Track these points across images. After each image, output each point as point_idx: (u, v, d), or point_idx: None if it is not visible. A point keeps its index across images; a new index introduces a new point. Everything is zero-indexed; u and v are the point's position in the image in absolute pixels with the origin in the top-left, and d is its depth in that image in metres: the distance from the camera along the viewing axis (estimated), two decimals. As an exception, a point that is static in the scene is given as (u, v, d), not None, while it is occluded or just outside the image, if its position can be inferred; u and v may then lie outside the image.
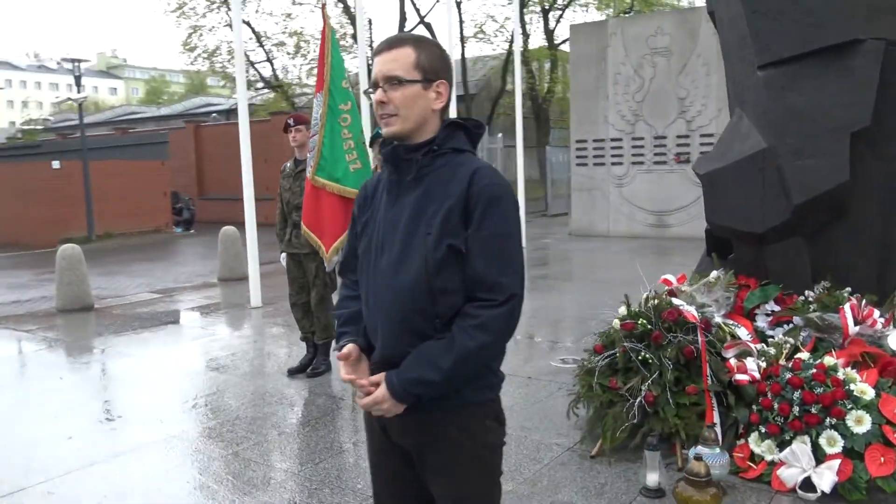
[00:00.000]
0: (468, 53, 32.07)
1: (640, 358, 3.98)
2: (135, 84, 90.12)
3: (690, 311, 4.05)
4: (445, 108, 1.87)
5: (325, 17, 4.95)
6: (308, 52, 29.37)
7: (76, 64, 15.87)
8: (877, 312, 3.78)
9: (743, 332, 4.10)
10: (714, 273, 4.34)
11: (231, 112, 34.20)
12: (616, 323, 4.21)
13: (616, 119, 14.17)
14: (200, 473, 3.82)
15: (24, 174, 16.56)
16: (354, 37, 26.16)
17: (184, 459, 4.02)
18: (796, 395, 3.46)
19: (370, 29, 27.06)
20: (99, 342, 6.95)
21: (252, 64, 28.09)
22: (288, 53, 28.60)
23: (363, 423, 2.03)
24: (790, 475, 3.39)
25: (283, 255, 5.59)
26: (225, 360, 6.09)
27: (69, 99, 23.13)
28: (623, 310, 4.31)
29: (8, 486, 3.71)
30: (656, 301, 4.22)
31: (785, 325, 4.08)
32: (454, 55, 32.76)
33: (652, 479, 3.43)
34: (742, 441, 3.68)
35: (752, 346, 3.94)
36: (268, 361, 6.03)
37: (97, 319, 8.08)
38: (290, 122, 5.43)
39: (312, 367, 5.53)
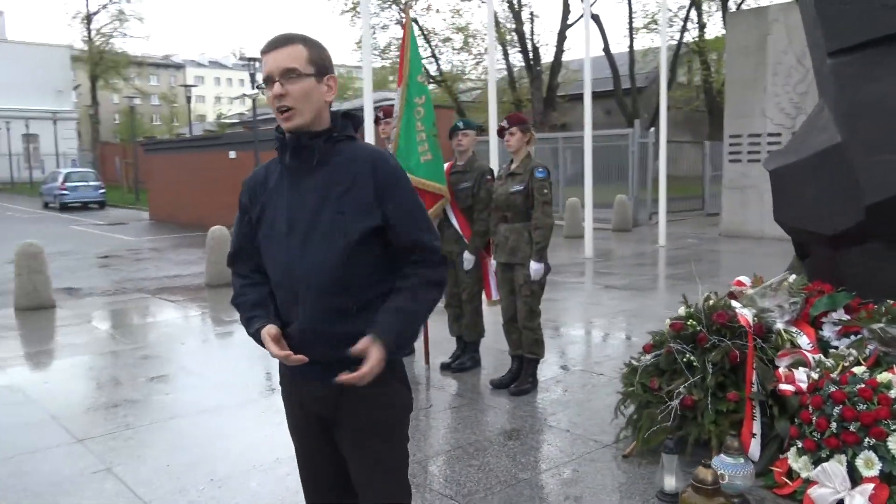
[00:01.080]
0: (637, 45, 31.16)
1: (685, 360, 3.84)
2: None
3: (744, 315, 3.84)
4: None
5: (406, 15, 5.18)
6: (475, 47, 29.91)
7: (251, 62, 17.39)
8: (952, 328, 3.37)
9: (804, 341, 3.82)
10: (779, 277, 4.07)
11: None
12: (667, 322, 4.08)
13: (775, 112, 13.22)
14: (263, 434, 4.19)
15: (207, 163, 18.41)
16: (516, 31, 26.38)
17: (250, 422, 4.42)
18: (836, 410, 3.19)
19: (532, 22, 27.11)
20: (229, 315, 7.69)
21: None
22: (454, 49, 29.26)
23: (286, 401, 2.16)
24: (821, 496, 3.14)
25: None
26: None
27: (244, 95, 25.22)
28: (682, 310, 4.16)
29: (101, 429, 4.31)
30: (711, 302, 4.04)
31: (853, 336, 3.74)
32: (622, 47, 31.94)
33: (669, 482, 3.32)
34: (784, 455, 3.46)
35: (809, 355, 3.67)
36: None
37: (225, 293, 8.88)
38: (381, 115, 5.73)
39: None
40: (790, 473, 3.37)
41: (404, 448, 2.10)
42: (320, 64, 1.96)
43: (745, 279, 4.47)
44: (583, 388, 4.95)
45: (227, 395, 4.94)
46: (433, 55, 28.93)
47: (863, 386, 3.22)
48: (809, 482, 3.23)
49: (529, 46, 26.83)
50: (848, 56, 3.61)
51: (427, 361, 5.46)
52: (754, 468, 3.48)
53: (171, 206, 20.34)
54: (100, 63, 43.31)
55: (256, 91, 18.89)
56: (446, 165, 5.33)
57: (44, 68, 42.88)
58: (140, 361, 5.88)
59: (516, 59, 28.68)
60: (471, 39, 29.62)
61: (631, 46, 30.09)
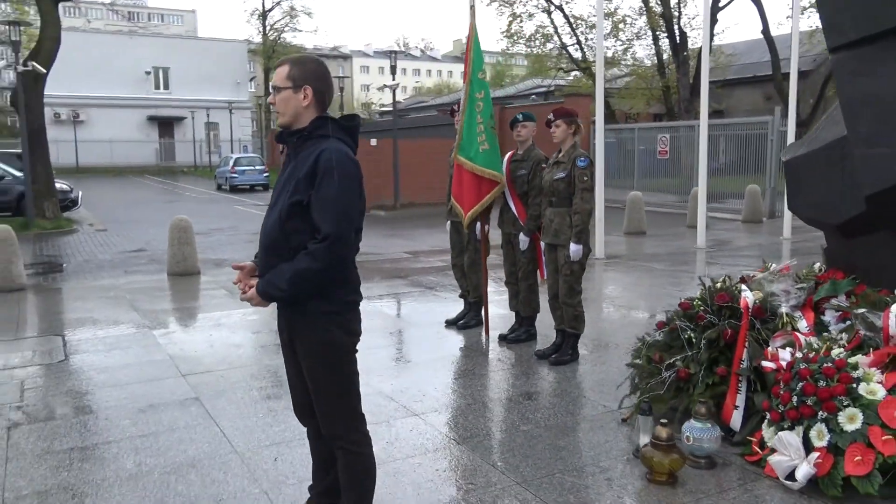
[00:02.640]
0: (803, 26, 29.27)
1: (686, 337, 4.16)
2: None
3: (746, 298, 4.09)
4: (321, 103, 2.64)
5: (472, 17, 5.70)
6: (623, 31, 29.52)
7: (393, 55, 18.48)
8: (930, 316, 3.47)
9: (803, 325, 4.01)
10: (785, 263, 4.24)
11: (549, 93, 35.90)
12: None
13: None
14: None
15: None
16: (663, 15, 25.77)
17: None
18: (799, 385, 3.43)
19: (680, 6, 26.31)
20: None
21: (564, 47, 29.19)
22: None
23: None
24: (778, 462, 3.41)
25: (448, 223, 6.52)
26: (403, 306, 7.26)
27: (384, 86, 26.51)
28: (700, 291, 4.45)
29: (202, 368, 5.27)
30: (718, 285, 4.31)
31: (848, 321, 3.88)
32: (783, 29, 30.04)
33: (643, 440, 3.69)
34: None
35: (802, 338, 3.87)
36: (432, 314, 6.98)
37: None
38: (455, 108, 6.31)
39: (464, 320, 6.40)
40: (763, 443, 3.63)
41: (345, 378, 2.69)
42: (298, 78, 2.60)
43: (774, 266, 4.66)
44: (618, 363, 5.29)
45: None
46: (578, 42, 28.92)
47: (829, 365, 3.43)
48: (774, 451, 3.50)
49: (677, 31, 26.09)
50: (848, 52, 3.74)
51: (486, 333, 6.02)
52: (737, 437, 3.80)
53: (320, 189, 22.00)
54: (272, 56, 46.99)
55: (395, 83, 20.08)
56: (508, 154, 5.84)
57: (225, 62, 47.13)
58: (251, 321, 6.89)
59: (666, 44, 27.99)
60: (621, 24, 29.29)
61: (794, 28, 28.28)
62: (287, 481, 3.45)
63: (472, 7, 5.73)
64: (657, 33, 28.07)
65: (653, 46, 28.84)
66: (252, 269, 2.75)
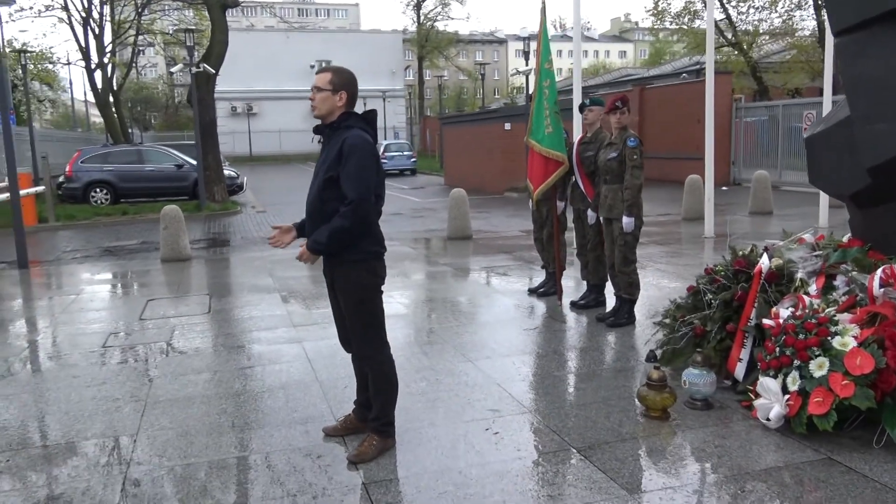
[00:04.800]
0: None
1: (706, 299, 4.63)
2: (643, 46, 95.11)
3: (762, 264, 4.49)
4: (351, 103, 3.47)
5: (542, 16, 6.28)
6: (781, 4, 28.11)
7: (526, 41, 19.06)
8: (912, 277, 3.75)
9: (812, 288, 4.35)
10: (803, 232, 4.56)
11: (700, 72, 34.75)
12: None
13: None
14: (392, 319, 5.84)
15: (486, 134, 20.68)
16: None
17: (397, 305, 6.11)
18: (782, 338, 3.84)
19: None
20: (442, 259, 9.52)
21: (716, 23, 28.24)
22: (754, 8, 27.82)
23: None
24: (762, 405, 3.85)
25: (531, 202, 7.18)
26: (499, 277, 8.02)
27: (517, 71, 26.96)
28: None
29: (309, 321, 6.33)
30: (741, 253, 4.71)
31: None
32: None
33: (647, 384, 4.25)
34: (762, 377, 4.14)
35: (807, 299, 4.22)
36: (521, 283, 7.65)
37: (458, 245, 10.73)
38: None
39: (544, 289, 7.06)
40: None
41: (371, 311, 3.53)
42: (337, 84, 3.45)
43: (806, 235, 4.96)
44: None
45: (400, 303, 6.69)
46: (727, 17, 27.90)
47: (811, 321, 3.81)
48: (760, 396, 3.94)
49: None
50: (848, 37, 4.01)
51: (560, 300, 6.65)
52: (740, 386, 4.25)
53: (460, 173, 23.10)
54: (425, 45, 48.88)
55: (529, 69, 20.58)
56: (579, 137, 6.41)
57: (382, 52, 49.64)
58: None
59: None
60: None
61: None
62: (349, 401, 4.34)
63: (543, 9, 6.33)
64: (819, 2, 26.50)
65: (814, 17, 27.25)
66: (288, 229, 3.62)
